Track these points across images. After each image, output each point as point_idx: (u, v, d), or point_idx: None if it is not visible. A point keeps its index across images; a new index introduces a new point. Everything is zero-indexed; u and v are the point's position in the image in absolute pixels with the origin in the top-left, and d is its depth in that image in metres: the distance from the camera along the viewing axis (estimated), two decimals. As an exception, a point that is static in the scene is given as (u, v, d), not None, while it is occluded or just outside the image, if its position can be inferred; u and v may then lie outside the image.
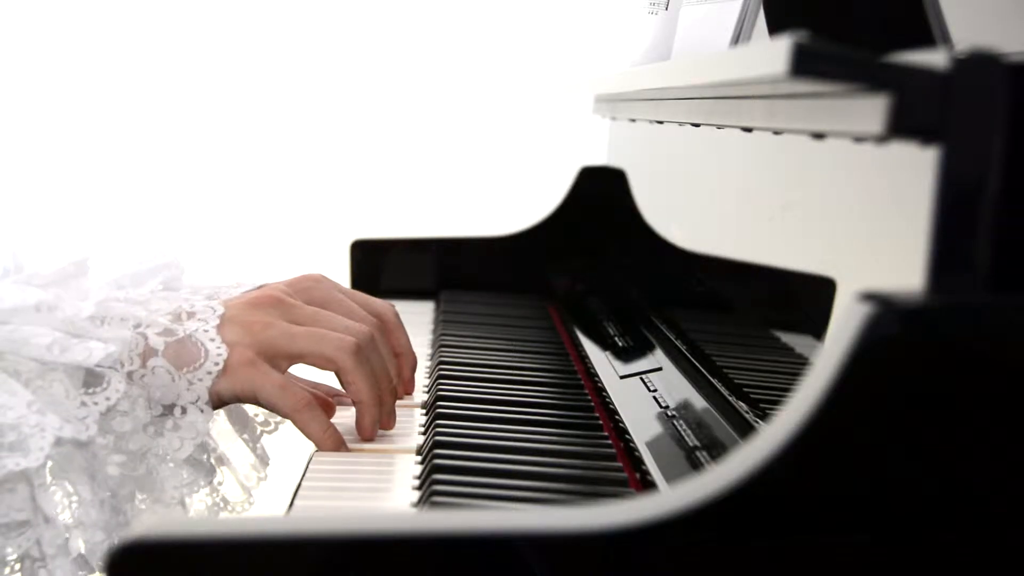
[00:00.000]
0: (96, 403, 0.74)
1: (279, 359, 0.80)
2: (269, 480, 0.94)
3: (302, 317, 0.82)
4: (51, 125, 2.16)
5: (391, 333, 0.90)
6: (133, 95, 2.17)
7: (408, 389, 0.92)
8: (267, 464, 0.92)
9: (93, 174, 2.17)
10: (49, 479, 0.74)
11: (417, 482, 0.76)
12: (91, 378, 0.75)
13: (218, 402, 0.79)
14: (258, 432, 0.91)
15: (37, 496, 0.73)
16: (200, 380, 0.76)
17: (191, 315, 0.79)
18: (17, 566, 0.73)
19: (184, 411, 0.77)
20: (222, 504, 0.89)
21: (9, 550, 0.73)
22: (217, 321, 0.79)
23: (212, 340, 0.77)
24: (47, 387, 0.73)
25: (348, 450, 0.81)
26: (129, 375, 0.76)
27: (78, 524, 0.74)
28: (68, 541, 0.73)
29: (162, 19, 2.18)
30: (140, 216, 2.18)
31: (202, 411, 0.77)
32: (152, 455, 0.77)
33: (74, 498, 0.74)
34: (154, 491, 0.78)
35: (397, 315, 0.91)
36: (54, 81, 2.15)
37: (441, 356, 1.07)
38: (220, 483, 0.88)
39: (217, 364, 0.77)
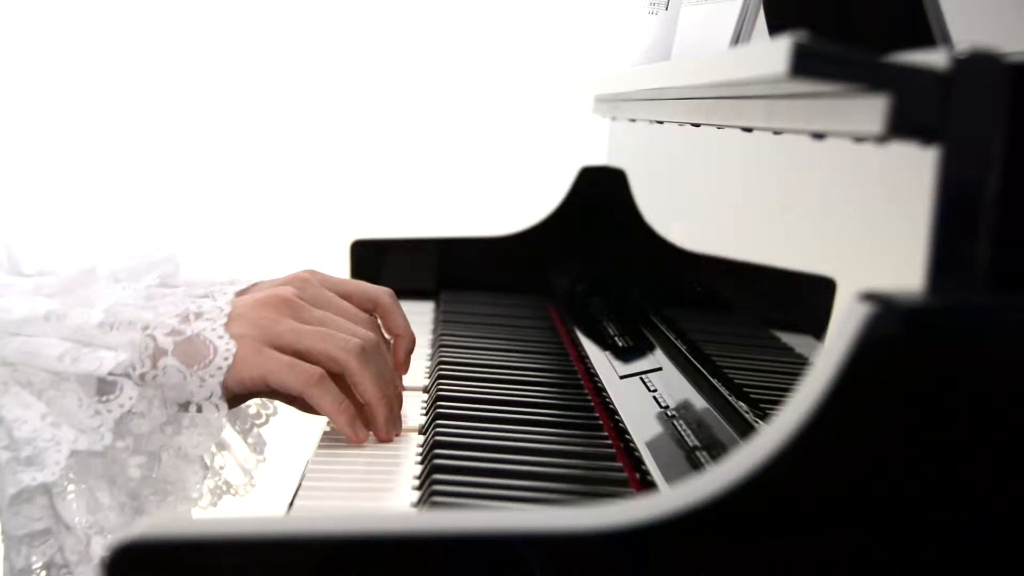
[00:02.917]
0: (110, 411, 0.74)
1: (285, 353, 0.80)
2: (269, 479, 0.94)
3: (310, 319, 0.82)
4: (50, 122, 2.15)
5: (388, 315, 0.91)
6: (134, 93, 2.17)
7: (402, 370, 0.92)
8: (263, 449, 0.93)
9: (92, 172, 2.17)
10: (69, 486, 0.74)
11: (417, 482, 0.76)
12: (104, 385, 0.75)
13: (229, 397, 0.80)
14: (249, 424, 0.92)
15: (56, 505, 0.73)
16: (212, 376, 0.77)
17: (199, 316, 0.79)
18: (43, 574, 0.74)
19: (199, 408, 0.78)
20: (224, 488, 0.89)
21: (34, 558, 0.74)
22: (224, 320, 0.79)
23: (220, 337, 0.78)
24: (60, 397, 0.74)
25: (362, 429, 0.81)
26: (142, 376, 0.76)
27: (98, 530, 0.74)
28: (89, 547, 0.73)
29: (161, 17, 2.17)
30: (139, 214, 2.18)
31: (217, 407, 0.78)
32: (171, 454, 0.78)
33: (93, 504, 0.75)
34: (178, 489, 0.78)
35: (394, 297, 0.92)
36: (53, 78, 2.15)
37: (441, 356, 1.07)
38: (222, 467, 0.89)
39: (227, 359, 0.77)
